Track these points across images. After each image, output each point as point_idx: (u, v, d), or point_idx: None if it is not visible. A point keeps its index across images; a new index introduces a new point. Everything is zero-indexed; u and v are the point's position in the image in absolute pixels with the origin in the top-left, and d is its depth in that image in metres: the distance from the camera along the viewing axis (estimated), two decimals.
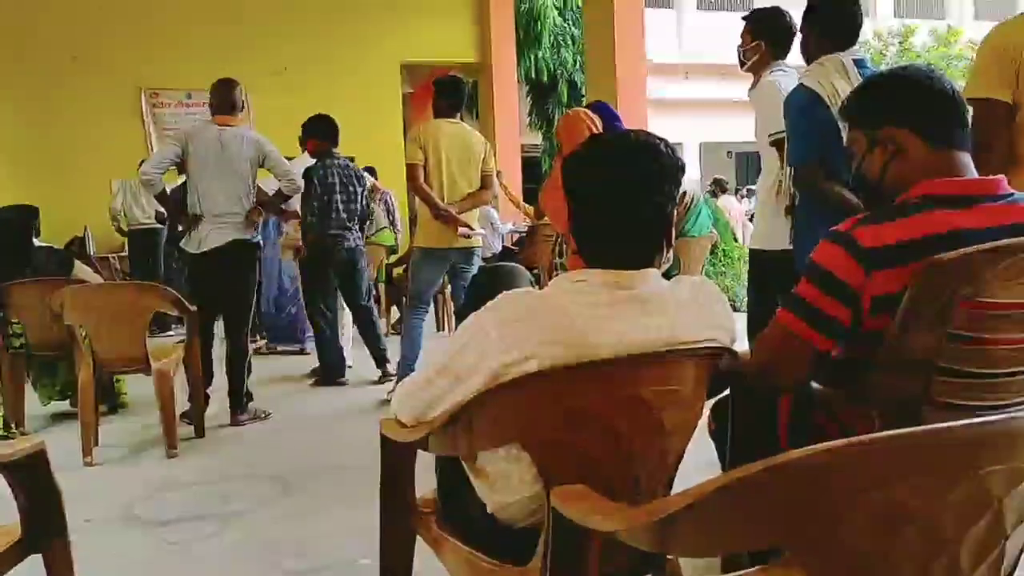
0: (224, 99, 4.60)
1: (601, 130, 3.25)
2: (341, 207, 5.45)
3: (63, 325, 4.02)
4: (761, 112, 3.33)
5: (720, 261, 9.85)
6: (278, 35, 9.81)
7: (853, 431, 1.57)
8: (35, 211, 4.78)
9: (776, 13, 3.44)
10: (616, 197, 1.47)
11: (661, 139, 1.53)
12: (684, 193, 5.87)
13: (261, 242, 4.80)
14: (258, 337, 6.86)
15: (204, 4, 9.59)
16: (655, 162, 1.47)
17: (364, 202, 5.70)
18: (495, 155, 5.18)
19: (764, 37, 3.36)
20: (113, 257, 8.74)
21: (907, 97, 1.68)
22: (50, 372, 4.81)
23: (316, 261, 5.51)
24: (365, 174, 6.03)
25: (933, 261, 1.49)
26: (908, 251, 1.53)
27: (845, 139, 1.88)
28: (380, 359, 5.52)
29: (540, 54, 12.73)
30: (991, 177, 1.64)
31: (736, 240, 10.02)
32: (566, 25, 13.09)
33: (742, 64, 3.46)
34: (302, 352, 6.64)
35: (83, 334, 4.00)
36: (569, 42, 13.02)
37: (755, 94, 3.37)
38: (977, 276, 1.50)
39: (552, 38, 12.82)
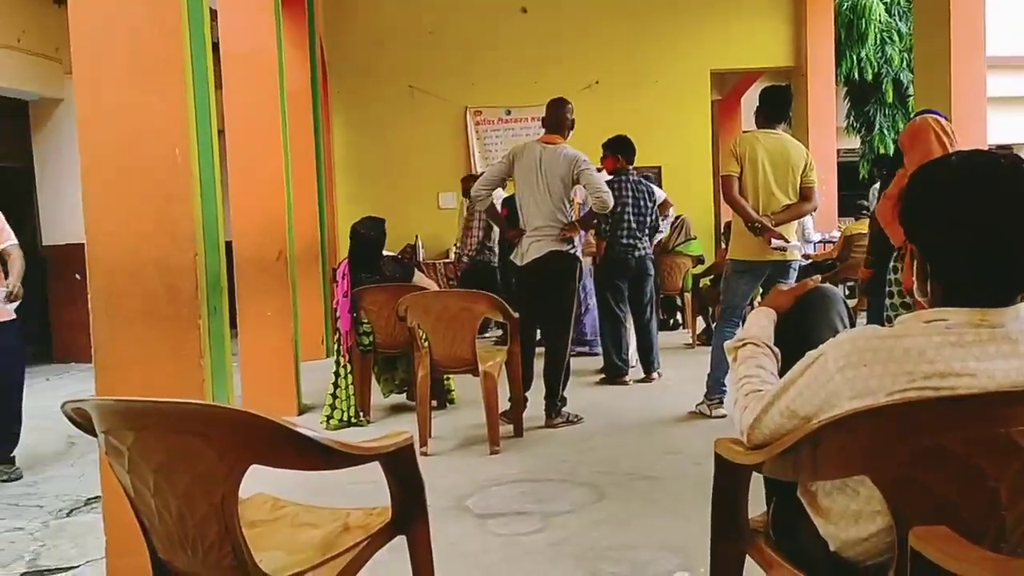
0: (549, 117, 4.86)
1: (954, 141, 2.96)
2: (632, 219, 5.91)
3: (405, 327, 4.49)
4: None
5: None
6: (590, 50, 10.19)
7: None
8: (384, 223, 5.32)
9: None
10: (986, 230, 1.33)
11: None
12: None
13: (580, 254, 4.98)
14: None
15: (521, 26, 10.21)
16: None
17: (653, 215, 6.09)
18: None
19: None
20: (439, 263, 9.54)
21: None
22: (390, 368, 5.39)
23: (609, 268, 5.97)
24: (657, 190, 6.49)
25: None
26: None
27: None
28: (648, 362, 5.98)
29: (864, 53, 11.89)
30: None
31: None
32: (892, 21, 12.15)
33: None
34: (591, 353, 6.92)
35: (422, 336, 4.42)
36: (896, 38, 12.06)
37: None
38: None
39: (877, 35, 11.93)
